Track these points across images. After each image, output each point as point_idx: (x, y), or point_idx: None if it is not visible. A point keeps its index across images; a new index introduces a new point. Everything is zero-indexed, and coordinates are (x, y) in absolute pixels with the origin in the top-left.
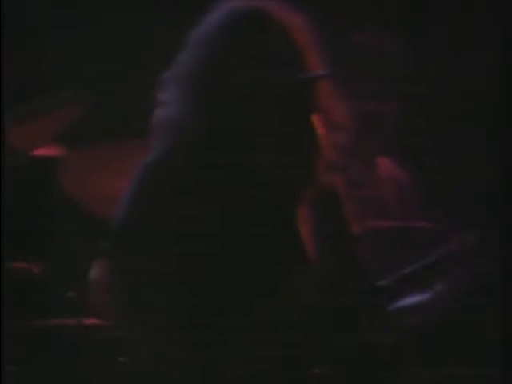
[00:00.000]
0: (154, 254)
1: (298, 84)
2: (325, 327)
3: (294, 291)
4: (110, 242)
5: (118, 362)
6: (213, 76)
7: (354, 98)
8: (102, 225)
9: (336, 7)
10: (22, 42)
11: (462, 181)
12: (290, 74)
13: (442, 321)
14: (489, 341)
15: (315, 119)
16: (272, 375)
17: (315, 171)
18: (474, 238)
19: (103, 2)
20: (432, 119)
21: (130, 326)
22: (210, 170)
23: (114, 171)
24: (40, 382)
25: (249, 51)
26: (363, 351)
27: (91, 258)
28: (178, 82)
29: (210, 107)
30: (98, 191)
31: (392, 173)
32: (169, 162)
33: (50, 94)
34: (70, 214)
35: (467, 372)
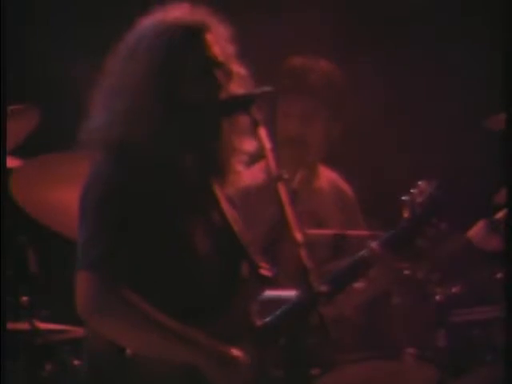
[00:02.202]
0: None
1: (239, 98)
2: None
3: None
4: (96, 254)
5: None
6: (146, 89)
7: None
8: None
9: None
10: None
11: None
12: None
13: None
14: None
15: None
16: None
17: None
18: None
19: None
20: (369, 137)
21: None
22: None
23: (65, 182)
24: None
25: (178, 64)
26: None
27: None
28: (108, 94)
29: (148, 118)
30: (48, 201)
31: (333, 183)
32: (118, 174)
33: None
34: (22, 223)
35: None
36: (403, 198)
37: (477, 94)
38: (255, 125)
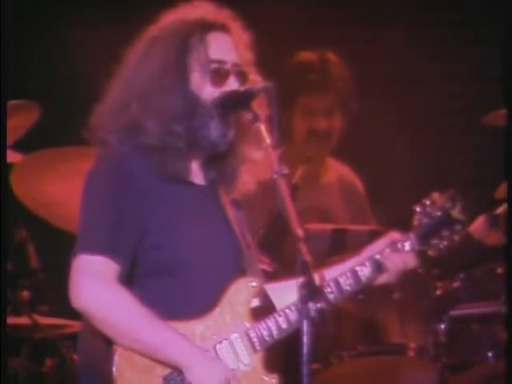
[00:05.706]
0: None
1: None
2: None
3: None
4: (103, 241)
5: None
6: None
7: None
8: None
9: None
10: None
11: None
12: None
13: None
14: None
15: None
16: None
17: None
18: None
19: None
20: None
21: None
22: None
23: (65, 177)
24: None
25: (192, 62)
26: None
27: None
28: (122, 85)
29: (159, 113)
30: (48, 196)
31: (342, 177)
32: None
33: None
34: (23, 217)
35: None
36: (414, 207)
37: (477, 91)
38: (255, 120)
